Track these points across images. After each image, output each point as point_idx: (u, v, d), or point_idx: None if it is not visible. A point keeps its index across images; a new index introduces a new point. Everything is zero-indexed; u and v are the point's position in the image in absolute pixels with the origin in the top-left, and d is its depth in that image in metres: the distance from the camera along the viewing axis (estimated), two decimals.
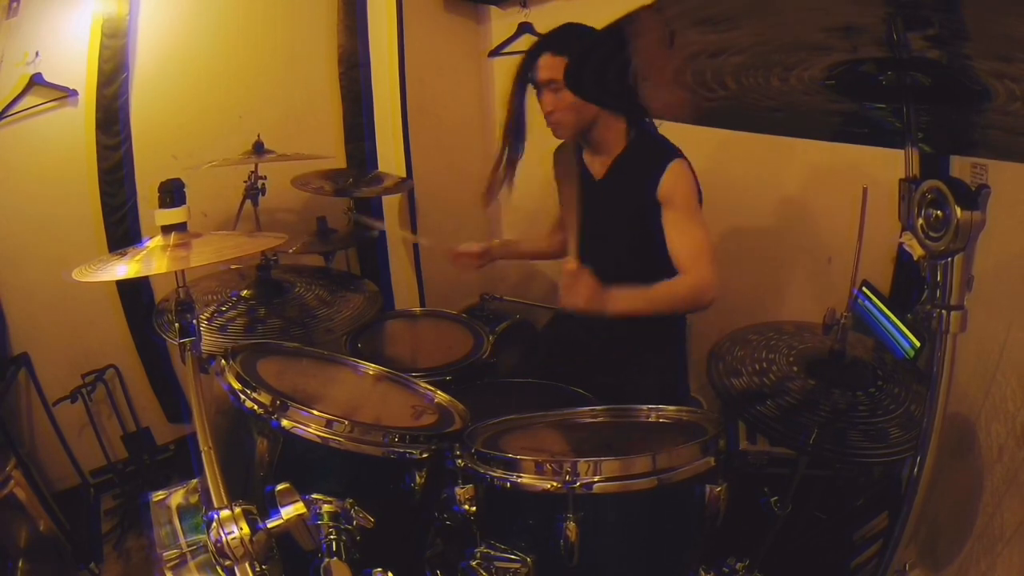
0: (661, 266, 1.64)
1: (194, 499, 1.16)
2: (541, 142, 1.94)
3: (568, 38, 1.60)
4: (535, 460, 1.07)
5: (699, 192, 1.65)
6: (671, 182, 1.60)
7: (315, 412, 1.09)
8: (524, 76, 1.68)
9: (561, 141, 1.81)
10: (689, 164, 1.64)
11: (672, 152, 1.64)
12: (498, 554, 1.08)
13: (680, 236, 1.59)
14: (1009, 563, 1.18)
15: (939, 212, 0.71)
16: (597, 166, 1.75)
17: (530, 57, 1.66)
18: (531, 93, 1.73)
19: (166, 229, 1.17)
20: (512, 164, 1.76)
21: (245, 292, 1.86)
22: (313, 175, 2.33)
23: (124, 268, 1.11)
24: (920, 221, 0.74)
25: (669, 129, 1.72)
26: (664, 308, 1.57)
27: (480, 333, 1.98)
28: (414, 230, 2.72)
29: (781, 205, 2.21)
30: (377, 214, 2.66)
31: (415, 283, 2.76)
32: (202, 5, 2.32)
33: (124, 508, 2.21)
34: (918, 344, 1.54)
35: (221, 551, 0.82)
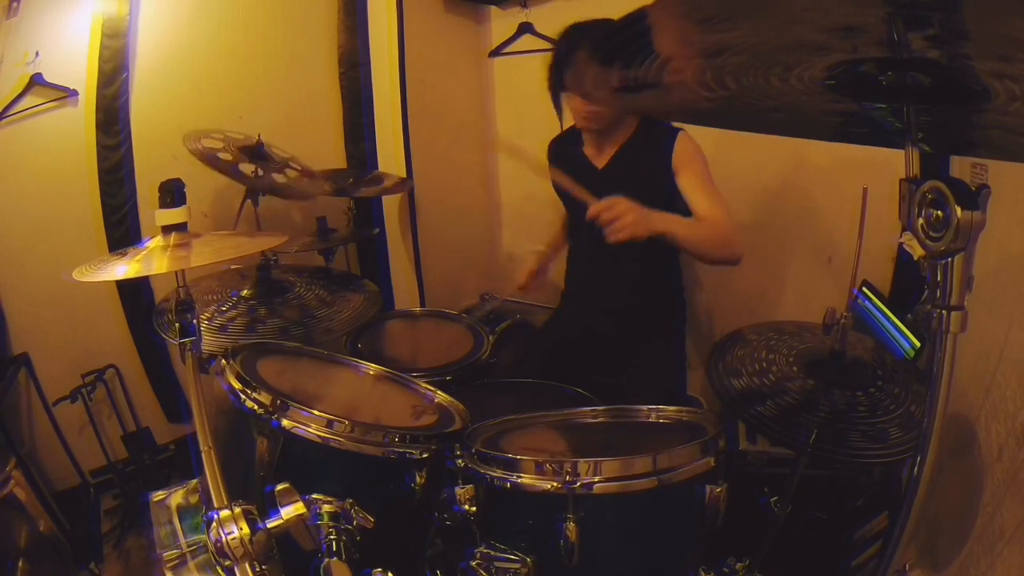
0: (662, 250, 1.65)
1: (194, 499, 1.16)
2: (542, 145, 1.95)
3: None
4: (535, 460, 1.07)
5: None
6: (684, 148, 1.66)
7: (315, 412, 1.09)
8: (559, 72, 1.67)
9: (556, 135, 1.84)
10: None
11: (676, 128, 1.69)
12: (498, 554, 1.09)
13: (700, 191, 1.64)
14: (1009, 563, 1.18)
15: (939, 212, 0.71)
16: (599, 156, 1.77)
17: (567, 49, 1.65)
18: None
19: (166, 229, 1.17)
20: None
21: (245, 292, 1.85)
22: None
23: (124, 268, 1.11)
24: (920, 221, 0.74)
25: None
26: (699, 240, 1.58)
27: (480, 333, 1.98)
28: (414, 229, 2.71)
29: (781, 205, 2.21)
30: (377, 214, 2.66)
31: (415, 283, 2.76)
32: (202, 5, 2.32)
33: (124, 508, 2.21)
34: (918, 344, 1.54)
35: (221, 551, 0.82)
